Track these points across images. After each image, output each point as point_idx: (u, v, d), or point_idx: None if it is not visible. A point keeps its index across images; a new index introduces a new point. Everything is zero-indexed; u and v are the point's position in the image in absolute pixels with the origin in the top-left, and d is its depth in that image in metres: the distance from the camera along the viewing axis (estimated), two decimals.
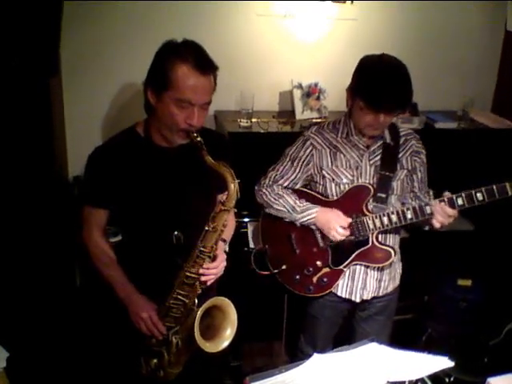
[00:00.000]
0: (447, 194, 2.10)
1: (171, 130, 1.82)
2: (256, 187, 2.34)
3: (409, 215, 2.12)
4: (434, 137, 3.20)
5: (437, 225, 2.11)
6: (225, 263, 1.98)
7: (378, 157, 2.20)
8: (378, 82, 1.99)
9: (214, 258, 1.91)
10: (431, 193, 2.29)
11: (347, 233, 2.16)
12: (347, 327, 2.46)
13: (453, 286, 3.23)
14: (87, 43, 2.83)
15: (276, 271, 2.32)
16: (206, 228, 1.85)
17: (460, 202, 2.07)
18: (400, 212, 2.12)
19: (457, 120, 3.31)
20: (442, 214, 2.08)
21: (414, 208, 2.11)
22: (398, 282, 2.37)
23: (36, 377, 2.45)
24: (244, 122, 2.96)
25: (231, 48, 3.07)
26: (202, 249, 1.87)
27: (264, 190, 2.30)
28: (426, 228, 2.22)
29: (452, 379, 2.64)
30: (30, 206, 2.49)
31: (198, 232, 1.87)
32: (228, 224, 1.98)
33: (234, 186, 1.81)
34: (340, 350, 1.55)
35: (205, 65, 1.77)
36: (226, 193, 1.83)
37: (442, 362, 1.48)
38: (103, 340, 2.08)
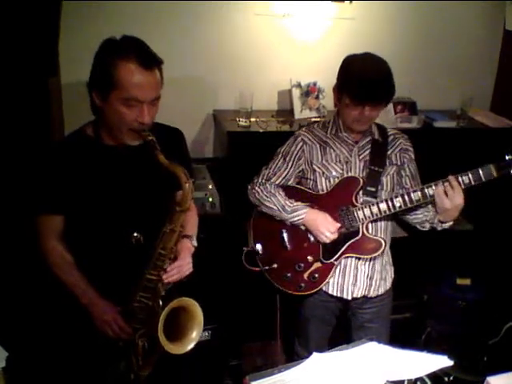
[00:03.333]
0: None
1: (121, 130, 1.77)
2: (249, 186, 2.36)
3: (397, 203, 2.13)
4: (433, 136, 3.21)
5: (447, 204, 2.07)
6: (189, 260, 1.93)
7: (367, 152, 2.25)
8: (360, 76, 2.06)
9: (175, 259, 1.88)
10: None
11: (335, 236, 2.19)
12: (342, 332, 2.46)
13: (452, 285, 3.24)
14: (87, 43, 2.81)
15: (266, 268, 2.32)
16: (164, 230, 1.82)
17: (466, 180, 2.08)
18: (389, 200, 2.14)
19: (455, 119, 3.31)
20: (448, 192, 2.06)
21: (402, 195, 2.13)
22: (389, 285, 2.37)
23: (36, 377, 2.45)
24: (243, 122, 2.96)
25: (230, 47, 3.07)
26: (161, 251, 1.83)
27: (257, 188, 2.32)
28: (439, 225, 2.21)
29: (451, 378, 2.64)
30: (30, 207, 2.48)
31: (158, 231, 1.83)
32: (190, 219, 1.95)
33: (188, 186, 1.77)
34: (339, 349, 1.55)
35: (148, 60, 1.71)
36: (181, 194, 1.78)
37: (442, 361, 1.47)
38: (101, 340, 2.07)
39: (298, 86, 3.15)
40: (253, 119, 2.99)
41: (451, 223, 2.19)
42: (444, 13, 3.36)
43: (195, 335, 1.86)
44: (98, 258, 1.92)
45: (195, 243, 1.99)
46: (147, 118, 1.73)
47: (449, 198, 2.06)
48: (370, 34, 3.25)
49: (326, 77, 3.16)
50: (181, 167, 1.76)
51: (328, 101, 3.19)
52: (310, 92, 3.16)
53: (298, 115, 3.16)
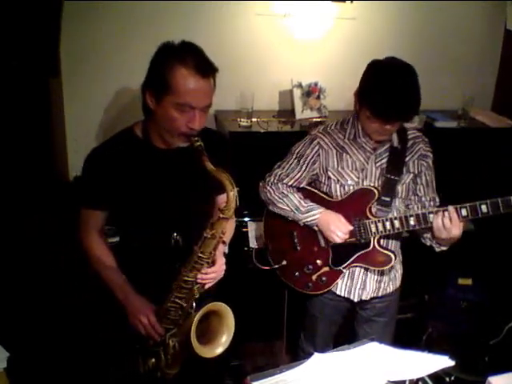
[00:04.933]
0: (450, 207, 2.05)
1: (171, 133, 1.80)
2: (261, 184, 2.34)
3: (412, 222, 2.10)
4: (434, 136, 3.16)
5: (443, 234, 2.03)
6: (224, 266, 1.98)
7: (385, 160, 2.19)
8: (385, 94, 1.94)
9: (212, 263, 1.90)
10: (437, 200, 2.25)
11: (346, 237, 2.16)
12: (349, 328, 2.46)
13: (453, 285, 3.24)
14: (87, 43, 2.82)
15: (276, 266, 2.33)
16: (205, 235, 1.83)
17: (464, 213, 2.03)
18: (403, 218, 2.11)
19: (457, 119, 3.31)
20: (445, 223, 2.02)
21: (417, 215, 2.09)
22: (398, 282, 2.37)
23: (36, 377, 2.45)
24: (244, 122, 2.96)
25: (231, 47, 3.07)
26: (200, 255, 1.85)
27: (269, 188, 2.29)
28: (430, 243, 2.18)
29: (453, 378, 2.64)
30: (30, 207, 2.49)
31: (197, 234, 1.85)
32: (229, 226, 1.96)
33: (232, 195, 1.78)
34: (340, 349, 1.55)
35: (205, 67, 1.74)
36: (225, 201, 1.81)
37: (443, 362, 1.47)
38: (105, 341, 2.08)
39: (299, 86, 3.15)
40: (254, 119, 2.98)
41: (447, 246, 2.16)
42: (445, 13, 3.36)
43: (225, 340, 1.88)
44: (137, 257, 1.96)
45: (227, 250, 2.04)
46: (197, 124, 1.75)
47: (446, 229, 2.02)
48: (371, 34, 3.24)
49: (327, 77, 3.17)
50: (227, 174, 1.77)
51: (329, 101, 3.19)
52: (311, 92, 3.16)
53: (299, 115, 3.15)
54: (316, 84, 3.16)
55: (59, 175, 2.87)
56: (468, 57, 3.52)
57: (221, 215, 1.82)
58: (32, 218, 2.49)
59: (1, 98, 2.38)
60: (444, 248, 2.17)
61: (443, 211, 2.04)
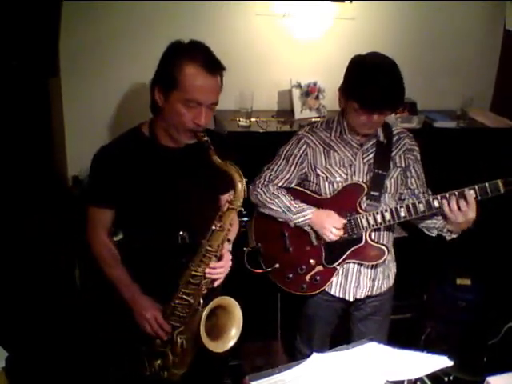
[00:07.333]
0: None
1: (178, 129, 1.83)
2: (251, 187, 2.34)
3: (402, 213, 2.12)
4: (433, 136, 3.21)
5: (459, 218, 2.04)
6: (230, 263, 2.00)
7: (372, 155, 2.21)
8: (371, 83, 1.99)
9: (220, 258, 1.92)
10: (430, 192, 2.27)
11: (341, 233, 2.17)
12: (344, 327, 2.47)
13: (452, 285, 3.24)
14: (87, 43, 2.82)
15: (269, 269, 2.33)
16: (213, 227, 1.86)
17: (473, 194, 2.04)
18: (393, 209, 2.13)
19: (456, 119, 3.31)
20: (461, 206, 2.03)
21: (407, 206, 2.12)
22: (392, 281, 2.38)
23: (36, 377, 2.45)
24: (243, 122, 2.96)
25: (230, 47, 3.06)
26: (208, 248, 1.87)
27: (259, 190, 2.31)
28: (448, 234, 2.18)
29: (451, 378, 2.64)
30: (30, 206, 2.49)
31: (203, 232, 1.88)
32: (234, 223, 2.00)
33: (241, 185, 1.82)
34: (339, 349, 1.55)
35: (213, 65, 1.79)
36: (233, 192, 1.84)
37: (441, 361, 1.48)
38: (105, 341, 2.07)
39: (298, 86, 3.15)
40: (253, 119, 2.98)
41: (459, 233, 2.16)
42: (444, 13, 3.36)
43: (235, 333, 1.89)
44: (143, 255, 1.97)
45: (230, 248, 2.06)
46: (204, 120, 1.80)
47: (462, 212, 2.02)
48: (371, 34, 3.24)
49: (326, 77, 3.17)
50: (234, 166, 1.82)
51: (328, 101, 3.19)
52: (310, 92, 3.16)
53: (298, 115, 3.15)
54: (315, 84, 3.17)
55: (59, 175, 2.87)
56: (467, 57, 3.52)
57: (229, 206, 1.85)
58: (32, 218, 2.49)
59: (0, 98, 2.38)
60: (454, 236, 2.17)
61: (457, 195, 2.04)
